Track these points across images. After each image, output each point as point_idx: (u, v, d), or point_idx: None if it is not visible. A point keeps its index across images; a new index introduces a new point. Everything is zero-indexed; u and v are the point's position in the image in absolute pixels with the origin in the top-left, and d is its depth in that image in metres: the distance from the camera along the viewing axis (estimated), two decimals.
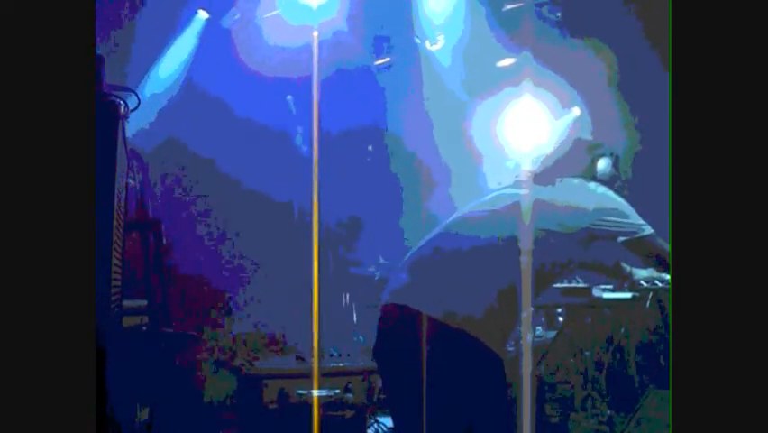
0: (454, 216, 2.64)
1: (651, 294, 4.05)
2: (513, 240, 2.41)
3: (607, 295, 3.96)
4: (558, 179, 2.57)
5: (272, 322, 6.50)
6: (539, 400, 4.86)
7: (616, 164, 2.71)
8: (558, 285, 3.97)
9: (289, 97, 6.81)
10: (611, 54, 5.74)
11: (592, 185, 2.58)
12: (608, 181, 2.63)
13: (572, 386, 4.87)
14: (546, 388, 5.08)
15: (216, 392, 4.84)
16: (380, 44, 6.75)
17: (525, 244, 2.39)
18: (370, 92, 6.91)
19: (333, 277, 7.20)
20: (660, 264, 2.63)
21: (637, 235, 2.48)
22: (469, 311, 2.35)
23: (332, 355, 5.04)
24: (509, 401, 2.41)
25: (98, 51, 1.98)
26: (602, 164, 2.67)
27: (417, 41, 6.69)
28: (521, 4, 6.08)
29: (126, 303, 2.50)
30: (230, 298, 6.84)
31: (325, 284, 7.09)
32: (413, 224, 6.68)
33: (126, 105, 2.19)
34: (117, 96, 2.15)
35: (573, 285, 4.11)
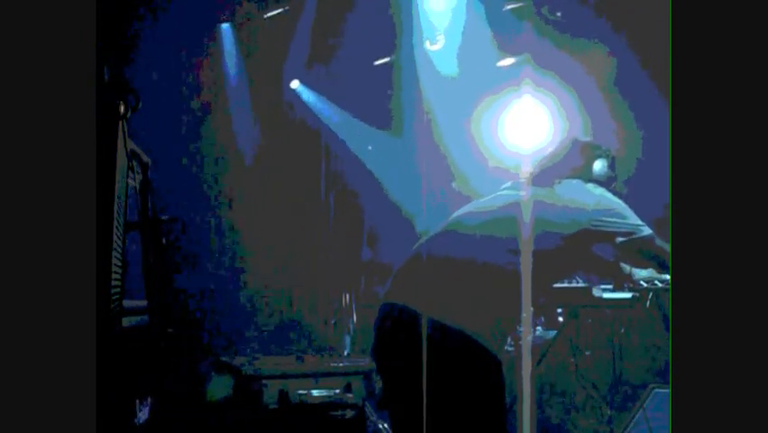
0: (454, 215, 2.64)
1: (651, 294, 4.05)
2: (512, 240, 2.41)
3: (607, 295, 3.96)
4: (556, 180, 2.57)
5: None
6: (539, 401, 4.86)
7: (612, 165, 2.71)
8: (558, 285, 3.97)
9: (296, 84, 7.09)
10: (611, 55, 5.74)
11: (590, 185, 2.58)
12: (605, 182, 2.64)
13: (572, 387, 4.88)
14: (546, 388, 5.09)
15: (216, 392, 4.85)
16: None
17: (525, 243, 2.40)
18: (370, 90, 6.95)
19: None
20: (658, 265, 2.64)
21: (635, 236, 2.48)
22: (468, 311, 2.35)
23: None
24: (506, 402, 2.40)
25: (98, 51, 1.98)
26: (598, 165, 2.68)
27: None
28: (521, 4, 6.08)
29: (126, 303, 2.50)
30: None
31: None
32: (413, 224, 6.69)
33: (126, 106, 2.19)
34: (117, 97, 2.14)
35: (573, 285, 4.11)
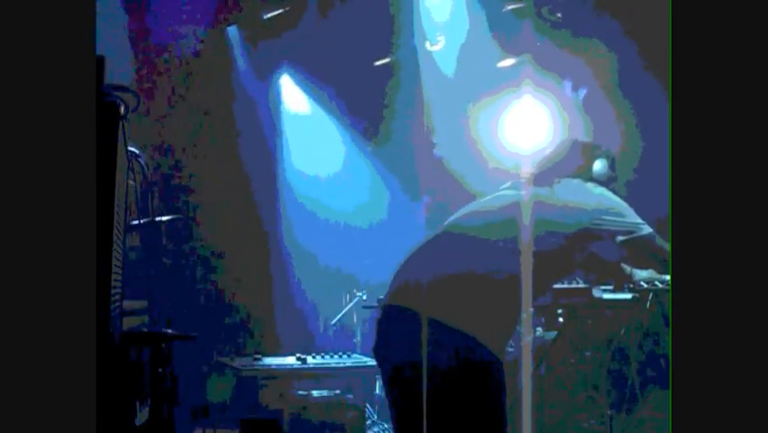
0: (454, 216, 2.64)
1: (651, 295, 4.05)
2: (512, 240, 2.41)
3: (607, 295, 3.97)
4: (556, 180, 2.57)
5: None
6: (539, 401, 4.86)
7: (612, 165, 2.71)
8: (558, 285, 3.97)
9: (286, 80, 7.11)
10: (611, 55, 5.74)
11: (590, 185, 2.59)
12: (605, 182, 2.64)
13: (572, 387, 4.87)
14: (546, 389, 5.08)
15: (216, 392, 4.85)
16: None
17: (525, 244, 2.39)
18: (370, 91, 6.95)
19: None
20: (659, 264, 2.64)
21: (635, 235, 2.48)
22: (468, 312, 2.35)
23: None
24: (506, 403, 2.40)
25: (98, 51, 1.98)
26: (598, 165, 2.68)
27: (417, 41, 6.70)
28: (521, 5, 6.08)
29: (126, 303, 2.50)
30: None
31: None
32: (413, 224, 6.69)
33: (126, 106, 2.19)
34: (117, 97, 2.14)
35: (573, 285, 4.11)
